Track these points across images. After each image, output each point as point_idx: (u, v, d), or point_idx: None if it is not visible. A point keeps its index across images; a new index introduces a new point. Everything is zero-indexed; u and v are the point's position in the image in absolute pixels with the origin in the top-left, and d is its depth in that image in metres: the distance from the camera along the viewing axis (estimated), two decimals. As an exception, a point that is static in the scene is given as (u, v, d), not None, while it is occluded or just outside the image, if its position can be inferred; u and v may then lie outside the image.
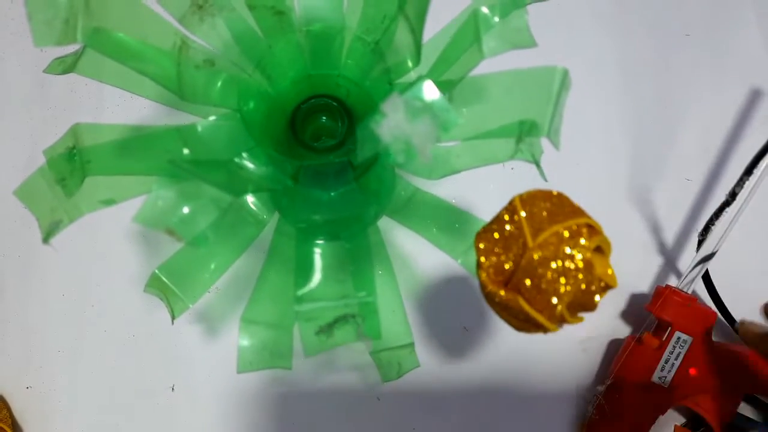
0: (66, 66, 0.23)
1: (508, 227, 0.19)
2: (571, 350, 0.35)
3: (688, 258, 0.36)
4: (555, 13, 0.39)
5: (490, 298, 0.19)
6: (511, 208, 0.19)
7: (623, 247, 0.35)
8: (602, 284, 0.18)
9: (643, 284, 0.36)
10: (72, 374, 0.34)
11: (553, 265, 0.18)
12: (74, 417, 0.33)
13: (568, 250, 0.18)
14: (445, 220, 0.34)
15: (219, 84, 0.26)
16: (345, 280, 0.27)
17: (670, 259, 0.36)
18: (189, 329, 0.34)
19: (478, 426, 0.34)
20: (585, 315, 0.19)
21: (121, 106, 0.38)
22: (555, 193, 0.19)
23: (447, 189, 0.35)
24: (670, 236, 0.37)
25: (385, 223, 0.34)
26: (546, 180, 0.26)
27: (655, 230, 0.37)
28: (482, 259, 0.19)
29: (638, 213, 0.37)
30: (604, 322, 0.35)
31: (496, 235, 0.19)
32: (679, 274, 0.36)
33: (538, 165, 0.26)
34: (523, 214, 0.19)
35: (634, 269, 0.36)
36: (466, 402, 0.34)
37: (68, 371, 0.34)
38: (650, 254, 0.37)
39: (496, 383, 0.34)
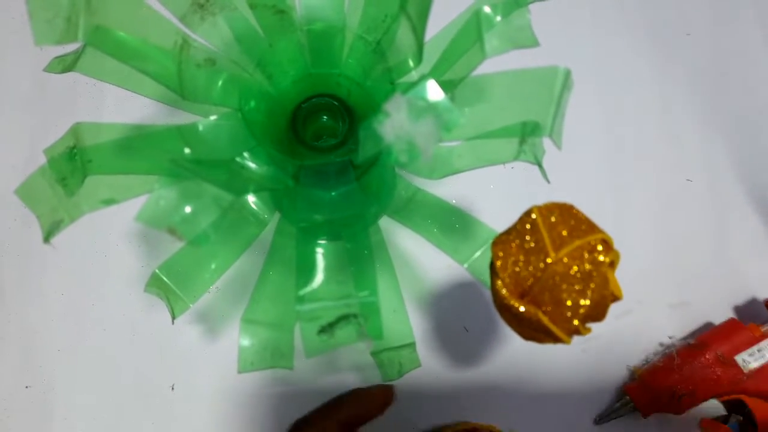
0: (66, 65, 0.23)
1: (528, 239, 0.19)
2: (571, 351, 0.35)
3: (686, 259, 0.36)
4: (555, 13, 0.39)
5: (505, 308, 0.19)
6: (530, 220, 0.19)
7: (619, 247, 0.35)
8: (612, 297, 0.18)
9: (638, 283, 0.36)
10: (72, 374, 0.34)
11: (574, 279, 0.18)
12: (74, 417, 0.33)
13: (587, 266, 0.18)
14: (446, 220, 0.34)
15: (220, 83, 0.26)
16: (347, 280, 0.26)
17: (665, 264, 0.36)
18: (189, 329, 0.34)
19: (478, 426, 0.34)
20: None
21: (122, 105, 0.37)
22: (569, 205, 0.20)
23: (447, 189, 0.35)
24: (669, 236, 0.37)
25: (386, 224, 0.34)
26: (548, 182, 0.26)
27: (653, 229, 0.37)
28: (501, 269, 0.19)
29: (637, 213, 0.37)
30: (602, 324, 0.35)
31: (517, 247, 0.19)
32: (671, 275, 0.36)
33: (540, 166, 0.26)
34: (544, 228, 0.19)
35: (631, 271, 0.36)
36: (467, 402, 0.34)
37: (68, 371, 0.34)
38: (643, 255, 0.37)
39: (496, 383, 0.34)
